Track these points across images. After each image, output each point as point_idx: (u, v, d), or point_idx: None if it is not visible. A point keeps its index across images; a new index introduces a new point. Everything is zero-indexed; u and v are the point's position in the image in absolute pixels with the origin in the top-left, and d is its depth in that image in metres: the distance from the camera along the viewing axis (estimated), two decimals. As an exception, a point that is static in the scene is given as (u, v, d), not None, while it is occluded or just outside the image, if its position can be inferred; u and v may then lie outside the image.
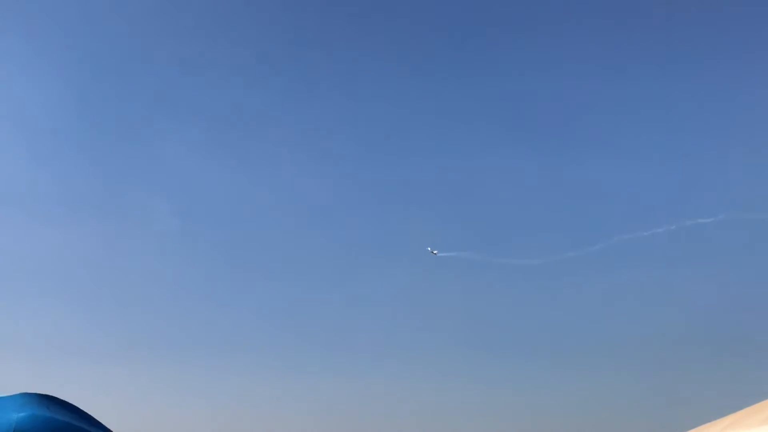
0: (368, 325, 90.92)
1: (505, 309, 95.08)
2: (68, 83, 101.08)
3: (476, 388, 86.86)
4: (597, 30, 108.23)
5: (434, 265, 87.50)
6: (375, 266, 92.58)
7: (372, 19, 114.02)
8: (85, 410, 12.16)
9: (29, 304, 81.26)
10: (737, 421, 10.83)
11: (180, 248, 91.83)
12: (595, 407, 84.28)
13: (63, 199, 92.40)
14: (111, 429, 11.94)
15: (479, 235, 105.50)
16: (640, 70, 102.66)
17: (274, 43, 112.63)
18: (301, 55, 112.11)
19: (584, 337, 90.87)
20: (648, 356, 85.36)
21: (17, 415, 10.31)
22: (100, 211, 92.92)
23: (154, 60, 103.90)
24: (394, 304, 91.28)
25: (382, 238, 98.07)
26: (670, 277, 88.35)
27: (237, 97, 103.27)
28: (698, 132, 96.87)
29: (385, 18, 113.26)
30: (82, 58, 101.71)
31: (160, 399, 74.12)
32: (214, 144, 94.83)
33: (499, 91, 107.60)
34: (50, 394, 11.94)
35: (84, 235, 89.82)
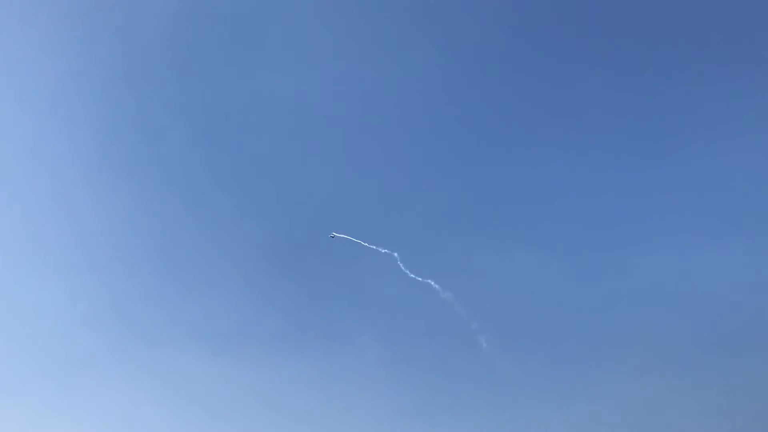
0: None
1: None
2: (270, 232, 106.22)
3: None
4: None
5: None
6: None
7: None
8: None
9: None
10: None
11: (386, 374, 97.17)
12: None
13: (288, 336, 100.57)
14: None
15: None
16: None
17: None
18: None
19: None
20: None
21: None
22: (318, 342, 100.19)
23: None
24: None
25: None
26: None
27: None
28: None
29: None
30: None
31: None
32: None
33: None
34: None
35: (305, 367, 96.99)
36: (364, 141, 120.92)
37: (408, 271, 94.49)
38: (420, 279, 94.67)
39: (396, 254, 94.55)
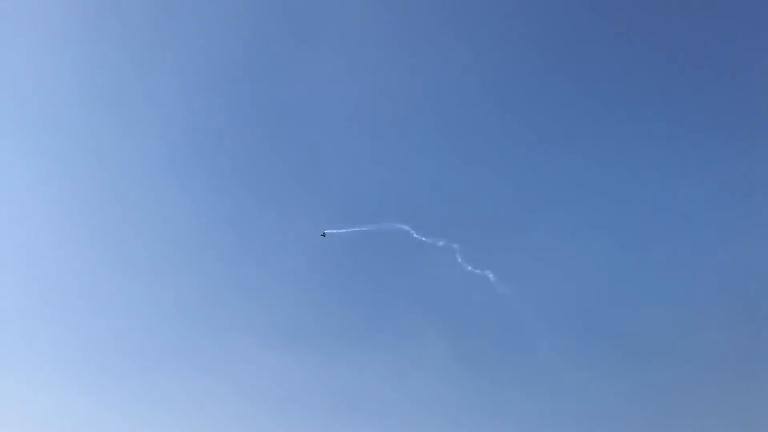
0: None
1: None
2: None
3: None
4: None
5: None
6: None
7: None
8: None
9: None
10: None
11: (451, 368, 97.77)
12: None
13: (353, 331, 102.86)
14: None
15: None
16: None
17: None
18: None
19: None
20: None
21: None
22: (383, 337, 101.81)
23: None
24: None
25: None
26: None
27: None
28: None
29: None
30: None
31: None
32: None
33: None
34: None
35: (371, 361, 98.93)
36: (426, 137, 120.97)
37: (466, 263, 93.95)
38: (478, 271, 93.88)
39: (456, 246, 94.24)
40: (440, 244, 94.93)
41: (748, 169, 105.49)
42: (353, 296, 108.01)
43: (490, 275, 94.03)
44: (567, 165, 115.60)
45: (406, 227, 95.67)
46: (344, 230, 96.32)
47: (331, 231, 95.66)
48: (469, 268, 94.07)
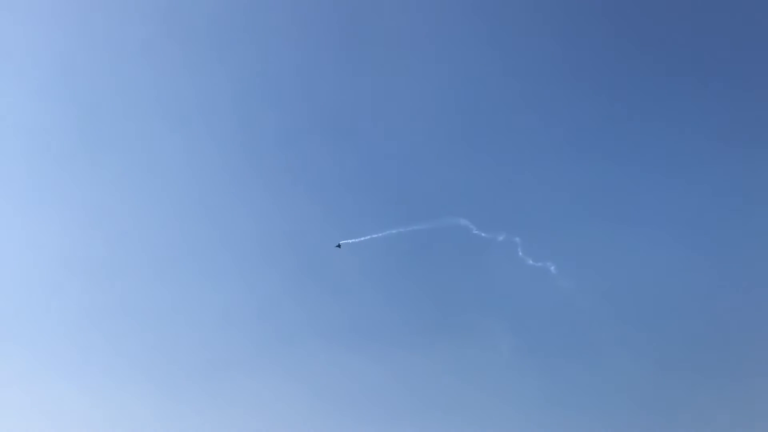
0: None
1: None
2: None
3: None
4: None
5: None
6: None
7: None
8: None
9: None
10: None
11: (520, 365, 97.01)
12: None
13: (420, 330, 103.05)
14: None
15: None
16: None
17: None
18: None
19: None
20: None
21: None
22: (449, 335, 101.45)
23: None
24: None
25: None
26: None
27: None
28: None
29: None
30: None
31: None
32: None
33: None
34: None
35: (439, 360, 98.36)
36: (480, 133, 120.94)
37: (527, 257, 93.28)
38: (539, 264, 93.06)
39: (518, 239, 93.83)
40: (500, 238, 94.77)
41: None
42: (416, 295, 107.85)
43: (552, 268, 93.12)
44: (625, 158, 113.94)
45: (466, 221, 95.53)
46: (360, 239, 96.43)
47: (346, 241, 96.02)
48: (530, 261, 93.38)
